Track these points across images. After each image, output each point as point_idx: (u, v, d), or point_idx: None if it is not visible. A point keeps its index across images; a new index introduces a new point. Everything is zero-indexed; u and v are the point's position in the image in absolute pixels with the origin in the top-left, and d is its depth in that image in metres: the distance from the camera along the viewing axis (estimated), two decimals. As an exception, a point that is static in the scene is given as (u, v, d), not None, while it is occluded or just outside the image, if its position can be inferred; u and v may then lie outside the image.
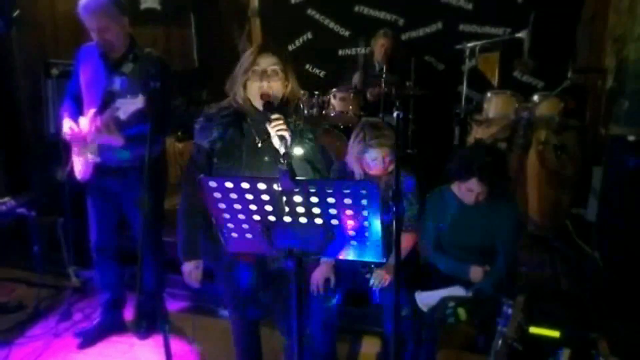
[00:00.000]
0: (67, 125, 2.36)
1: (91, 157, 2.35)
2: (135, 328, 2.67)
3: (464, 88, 3.82)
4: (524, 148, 3.41)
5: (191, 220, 1.82)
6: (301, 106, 1.69)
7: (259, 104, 1.69)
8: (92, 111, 2.30)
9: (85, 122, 2.33)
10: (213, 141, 1.75)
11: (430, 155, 3.95)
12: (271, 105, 1.64)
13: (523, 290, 1.61)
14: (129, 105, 2.10)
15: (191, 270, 1.87)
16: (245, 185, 1.27)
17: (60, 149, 2.72)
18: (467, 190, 2.11)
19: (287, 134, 1.55)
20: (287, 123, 1.61)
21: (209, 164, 1.77)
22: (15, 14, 3.53)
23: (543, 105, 3.36)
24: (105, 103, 2.23)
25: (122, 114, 2.12)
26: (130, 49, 2.33)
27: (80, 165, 2.43)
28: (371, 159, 2.14)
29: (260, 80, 1.67)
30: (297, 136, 1.73)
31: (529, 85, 4.26)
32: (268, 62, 1.67)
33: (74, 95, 2.44)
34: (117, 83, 2.27)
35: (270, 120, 1.59)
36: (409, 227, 2.25)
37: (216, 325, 2.78)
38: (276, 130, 1.56)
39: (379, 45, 4.13)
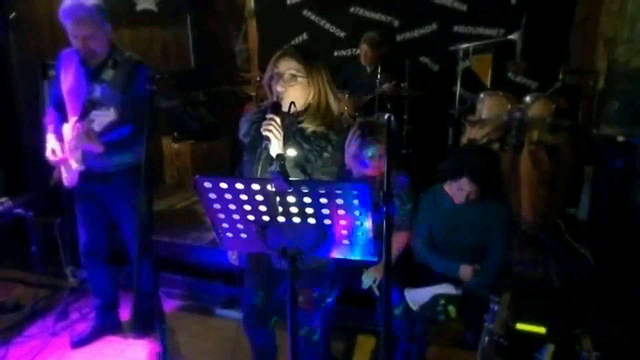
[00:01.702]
0: (50, 146, 2.33)
1: (76, 165, 2.33)
2: (132, 328, 2.69)
3: (458, 89, 3.85)
4: (517, 148, 3.45)
5: None
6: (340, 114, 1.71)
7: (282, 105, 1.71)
8: (73, 119, 2.27)
9: (67, 130, 2.31)
10: (244, 135, 1.85)
11: (425, 155, 3.99)
12: (276, 107, 1.66)
13: (509, 288, 1.65)
14: (102, 118, 2.13)
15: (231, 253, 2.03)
16: (239, 185, 1.30)
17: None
18: (458, 190, 2.14)
19: (272, 136, 1.57)
20: (283, 126, 1.61)
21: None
22: (12, 15, 3.54)
23: (535, 106, 3.39)
24: (87, 111, 2.20)
25: (97, 126, 2.15)
26: (110, 55, 2.29)
27: (66, 173, 2.43)
28: (368, 156, 2.17)
29: (279, 84, 1.69)
30: (309, 142, 1.70)
31: (522, 86, 4.29)
32: (286, 66, 1.68)
33: (56, 102, 2.40)
34: (97, 91, 2.24)
35: (265, 119, 1.62)
36: (402, 226, 2.28)
37: (212, 324, 2.81)
38: (263, 128, 1.59)
39: (362, 50, 4.18)
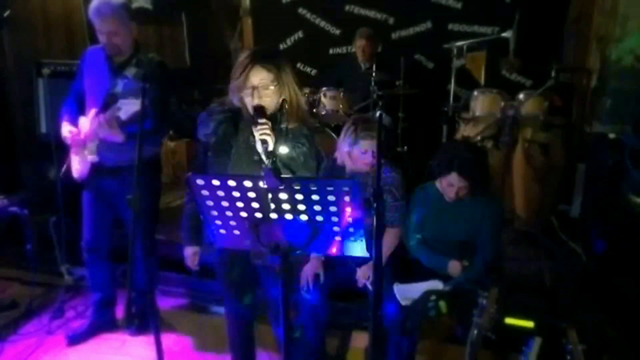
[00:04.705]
0: (67, 129, 2.40)
1: (89, 157, 2.38)
2: (126, 325, 2.70)
3: (452, 86, 3.87)
4: (510, 146, 3.47)
5: (195, 211, 1.87)
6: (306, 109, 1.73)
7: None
8: (93, 111, 2.34)
9: (85, 122, 2.37)
10: (209, 135, 1.81)
11: (419, 153, 4.02)
12: (261, 111, 1.68)
13: (496, 283, 1.67)
14: (130, 106, 2.16)
15: (189, 254, 2.01)
16: (232, 183, 1.31)
17: (52, 148, 2.74)
18: (448, 186, 2.17)
19: (269, 139, 1.61)
20: (274, 129, 1.65)
21: (205, 157, 1.83)
22: (6, 13, 3.53)
23: (528, 103, 3.42)
24: (107, 104, 2.27)
25: (123, 114, 2.19)
26: (135, 54, 2.39)
27: (78, 164, 2.46)
28: (360, 152, 2.19)
29: (252, 96, 1.69)
30: (290, 140, 1.75)
31: (517, 83, 4.32)
32: (258, 78, 1.68)
33: (76, 96, 2.48)
34: (119, 85, 2.32)
35: (256, 124, 1.65)
36: (395, 223, 2.30)
37: (209, 322, 2.83)
38: (260, 133, 1.62)
39: (358, 47, 4.18)
